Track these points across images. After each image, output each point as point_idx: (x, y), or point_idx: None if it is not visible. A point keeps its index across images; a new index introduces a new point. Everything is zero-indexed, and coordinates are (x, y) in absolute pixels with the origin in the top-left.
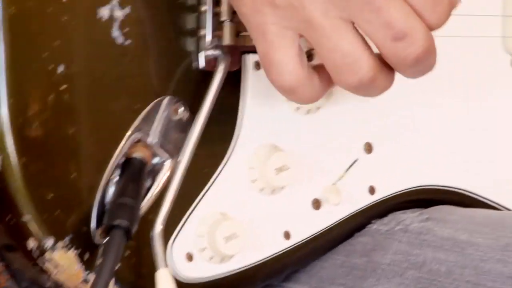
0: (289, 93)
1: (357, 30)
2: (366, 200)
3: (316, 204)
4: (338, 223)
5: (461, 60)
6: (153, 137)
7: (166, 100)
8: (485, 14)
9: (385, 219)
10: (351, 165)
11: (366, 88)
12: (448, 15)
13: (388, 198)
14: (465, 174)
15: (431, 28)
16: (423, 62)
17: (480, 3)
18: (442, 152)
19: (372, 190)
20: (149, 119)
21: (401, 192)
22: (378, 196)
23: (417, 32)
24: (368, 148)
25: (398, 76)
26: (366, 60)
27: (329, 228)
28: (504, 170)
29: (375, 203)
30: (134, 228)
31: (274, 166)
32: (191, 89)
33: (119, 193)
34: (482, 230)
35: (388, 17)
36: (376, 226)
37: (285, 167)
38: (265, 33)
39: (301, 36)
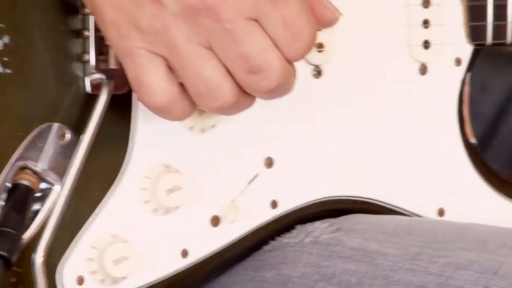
0: (162, 112)
1: (219, 58)
2: (269, 214)
3: (215, 221)
4: (240, 239)
5: (369, 69)
6: (42, 163)
7: (54, 126)
8: (391, 24)
9: (294, 232)
10: (251, 180)
11: (228, 111)
12: (307, 50)
13: (294, 210)
14: (372, 183)
15: (288, 60)
16: (277, 93)
17: (385, 14)
18: (346, 162)
19: (274, 204)
20: (36, 145)
21: (306, 204)
22: (281, 210)
23: (272, 67)
24: (269, 162)
25: (299, 90)
26: (228, 86)
27: (230, 245)
28: (409, 176)
29: (280, 217)
30: (15, 257)
31: (165, 187)
32: (81, 113)
33: (1, 222)
34: (392, 239)
35: (245, 50)
36: (286, 239)
37: (177, 188)
38: (134, 57)
39: (166, 60)
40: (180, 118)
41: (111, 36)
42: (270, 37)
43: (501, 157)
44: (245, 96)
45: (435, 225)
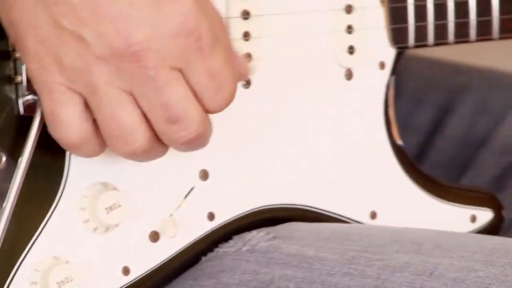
0: (73, 149)
1: (137, 104)
2: (206, 226)
3: (154, 237)
4: (180, 253)
5: (297, 77)
6: None
7: None
8: (316, 31)
9: (231, 242)
10: (187, 194)
11: (139, 157)
12: (229, 101)
13: (231, 221)
14: (306, 190)
15: (208, 112)
16: (194, 145)
17: (310, 21)
18: (280, 170)
19: (211, 217)
20: None
21: (243, 214)
22: (219, 221)
23: (192, 118)
24: (204, 175)
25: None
26: (142, 133)
27: (169, 259)
28: (342, 181)
29: (218, 228)
30: None
31: (104, 205)
32: (16, 136)
33: None
34: (329, 245)
35: (166, 99)
36: (223, 249)
37: (116, 205)
38: (51, 91)
39: (84, 98)
40: (89, 156)
41: (32, 68)
42: (192, 88)
43: (437, 170)
44: (158, 144)
45: (371, 230)
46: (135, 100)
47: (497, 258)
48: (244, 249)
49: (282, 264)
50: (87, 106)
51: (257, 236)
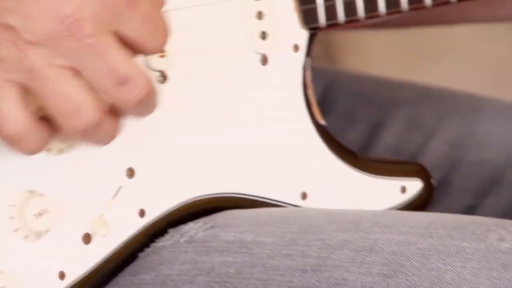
0: (14, 142)
1: (82, 76)
2: (138, 224)
3: (87, 239)
4: (114, 252)
5: (213, 67)
6: None
7: None
8: (227, 19)
9: (168, 235)
10: (116, 193)
11: (94, 134)
12: (167, 37)
13: (163, 216)
14: (235, 178)
15: (151, 53)
16: (146, 103)
17: (221, 10)
18: (208, 160)
19: (142, 213)
20: None
21: (175, 208)
22: (150, 217)
23: (139, 74)
24: (130, 173)
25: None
26: (91, 104)
27: (105, 260)
28: (271, 166)
29: (151, 224)
30: None
31: (32, 212)
32: None
33: None
34: (267, 229)
35: (110, 63)
36: (161, 243)
37: (45, 211)
38: None
39: (25, 86)
40: (33, 149)
41: None
42: (132, 40)
43: None
44: (110, 116)
45: (308, 213)
46: (78, 73)
47: (435, 231)
48: (182, 240)
49: (221, 251)
50: (26, 95)
51: (194, 227)
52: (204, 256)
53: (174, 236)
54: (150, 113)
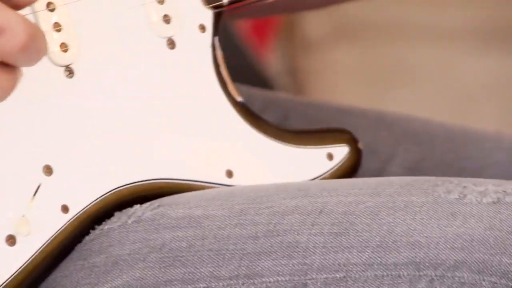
0: None
1: None
2: (63, 219)
3: (11, 240)
4: (43, 250)
5: (120, 57)
6: None
7: None
8: (128, 6)
9: (114, 218)
10: (35, 192)
11: None
12: None
13: (88, 209)
14: (158, 164)
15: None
16: (31, 48)
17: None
18: (126, 150)
19: (65, 209)
20: None
21: (101, 199)
22: (74, 211)
23: (15, 21)
24: (48, 170)
25: (57, 95)
26: None
27: (32, 259)
28: (193, 148)
29: (77, 218)
30: None
31: None
32: None
33: None
34: (215, 203)
35: None
36: (108, 225)
37: None
38: None
39: None
40: None
41: None
42: None
43: None
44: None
45: (255, 187)
46: None
47: (383, 190)
48: (129, 221)
49: (171, 228)
50: None
51: (140, 209)
52: (154, 234)
53: (121, 218)
54: (42, 57)
